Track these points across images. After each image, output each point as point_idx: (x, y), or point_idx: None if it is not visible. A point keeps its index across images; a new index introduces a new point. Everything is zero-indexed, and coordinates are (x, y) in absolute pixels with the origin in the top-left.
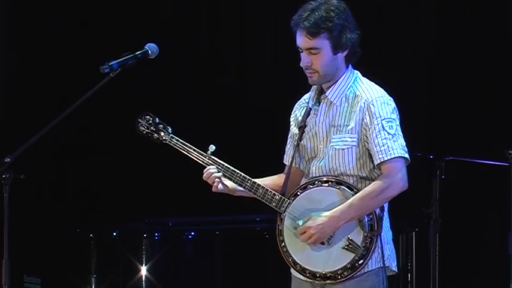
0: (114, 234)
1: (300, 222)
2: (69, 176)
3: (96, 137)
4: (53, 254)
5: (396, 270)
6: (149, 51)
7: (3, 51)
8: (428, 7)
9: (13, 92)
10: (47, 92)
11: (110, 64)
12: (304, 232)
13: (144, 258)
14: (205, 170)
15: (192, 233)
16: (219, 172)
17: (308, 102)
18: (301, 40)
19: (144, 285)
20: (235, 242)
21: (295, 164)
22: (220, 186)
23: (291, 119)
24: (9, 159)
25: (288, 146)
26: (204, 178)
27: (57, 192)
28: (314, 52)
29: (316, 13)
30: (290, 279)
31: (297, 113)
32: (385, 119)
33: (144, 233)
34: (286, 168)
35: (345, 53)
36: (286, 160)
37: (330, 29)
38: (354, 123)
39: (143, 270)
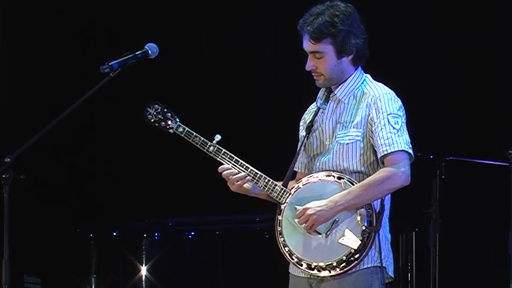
0: (114, 234)
1: (300, 208)
2: (69, 176)
3: (96, 137)
4: (53, 254)
5: (393, 276)
6: (149, 51)
7: (3, 51)
8: (428, 9)
9: (13, 92)
10: (47, 92)
11: (110, 64)
12: (302, 214)
13: (144, 258)
14: (222, 168)
15: (192, 233)
16: (243, 173)
17: (317, 102)
18: (306, 44)
19: (144, 285)
20: (235, 242)
21: (302, 169)
22: (240, 188)
23: (300, 125)
24: (9, 159)
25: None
26: (219, 171)
27: (57, 192)
28: (318, 56)
29: (320, 18)
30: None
31: (306, 117)
32: (391, 114)
33: (144, 233)
34: (290, 167)
35: (350, 57)
36: (298, 167)
37: (333, 34)
38: (359, 118)
39: (143, 270)
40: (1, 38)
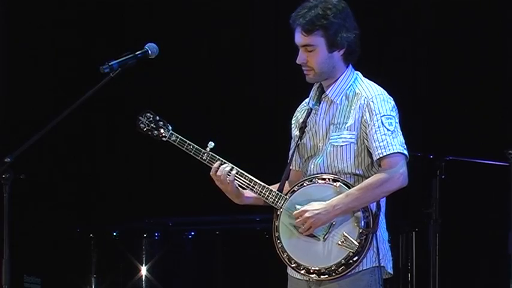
0: (114, 234)
1: (298, 207)
2: (70, 176)
3: (96, 136)
4: (53, 254)
5: (392, 273)
6: (149, 51)
7: (3, 51)
8: (428, 8)
9: (13, 92)
10: (47, 92)
11: (110, 64)
12: (300, 216)
13: (144, 258)
14: (219, 169)
15: (192, 233)
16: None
17: (308, 103)
18: (297, 37)
19: (144, 285)
20: (235, 242)
21: (297, 167)
22: (233, 186)
23: (292, 123)
24: (9, 159)
25: (291, 151)
26: (214, 174)
27: (57, 192)
28: (310, 49)
29: (313, 11)
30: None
31: (298, 115)
32: (384, 115)
33: (144, 233)
34: (286, 171)
35: (341, 51)
36: (292, 166)
37: (325, 26)
38: (353, 120)
39: (143, 270)
40: (1, 38)
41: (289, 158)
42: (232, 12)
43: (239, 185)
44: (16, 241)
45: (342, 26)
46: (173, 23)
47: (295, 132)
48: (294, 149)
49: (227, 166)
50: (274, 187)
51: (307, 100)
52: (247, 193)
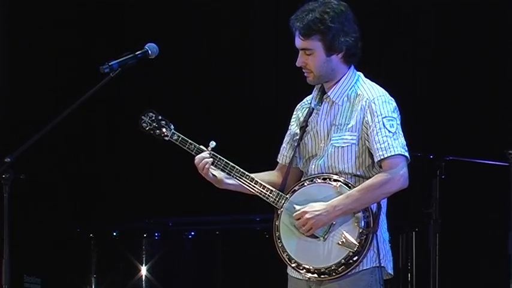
0: (114, 234)
1: (298, 207)
2: (70, 176)
3: (96, 136)
4: (53, 254)
5: (392, 274)
6: (149, 51)
7: (3, 51)
8: (428, 8)
9: (13, 92)
10: (47, 92)
11: (110, 64)
12: (300, 217)
13: (144, 258)
14: (198, 156)
15: (192, 233)
16: (210, 158)
17: (310, 103)
18: (296, 40)
19: (144, 285)
20: (235, 242)
21: (295, 164)
22: (209, 174)
23: (292, 119)
24: (9, 159)
25: (283, 145)
26: (195, 163)
27: (57, 192)
28: (308, 53)
29: (311, 15)
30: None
31: (299, 113)
32: (386, 117)
33: (144, 233)
34: (286, 168)
35: (340, 55)
36: (280, 159)
37: (322, 31)
38: (354, 122)
39: (143, 270)
40: (1, 38)
41: (289, 158)
42: (232, 12)
43: (242, 183)
44: (16, 241)
45: (340, 30)
46: (173, 23)
47: (296, 130)
48: (295, 148)
49: (208, 158)
50: (257, 175)
51: (308, 98)
52: (228, 179)
